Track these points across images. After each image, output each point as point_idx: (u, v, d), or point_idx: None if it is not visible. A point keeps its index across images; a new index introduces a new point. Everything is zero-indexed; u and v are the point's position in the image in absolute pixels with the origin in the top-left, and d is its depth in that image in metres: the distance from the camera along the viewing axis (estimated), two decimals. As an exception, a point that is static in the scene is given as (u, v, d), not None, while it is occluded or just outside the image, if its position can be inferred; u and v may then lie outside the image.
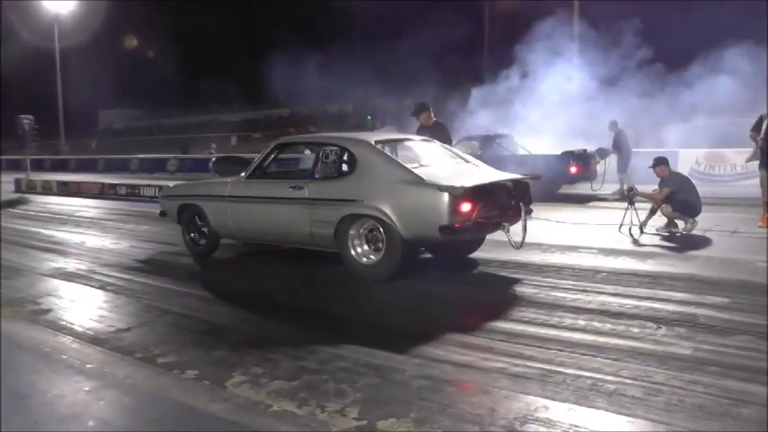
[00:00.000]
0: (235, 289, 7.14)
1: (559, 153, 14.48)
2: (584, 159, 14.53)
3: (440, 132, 9.05)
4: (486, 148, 15.49)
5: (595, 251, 7.91)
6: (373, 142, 7.22)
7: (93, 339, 5.18)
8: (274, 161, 8.20)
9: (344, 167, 7.29)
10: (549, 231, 9.20)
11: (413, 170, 6.72)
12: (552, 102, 18.56)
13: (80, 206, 15.93)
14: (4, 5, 49.85)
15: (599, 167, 14.98)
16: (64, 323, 5.67)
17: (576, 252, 7.88)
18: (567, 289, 6.18)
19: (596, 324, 5.10)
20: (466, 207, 6.31)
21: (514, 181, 7.16)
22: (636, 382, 3.93)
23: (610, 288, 6.17)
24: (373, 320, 5.49)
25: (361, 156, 7.03)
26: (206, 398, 3.96)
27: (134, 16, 58.52)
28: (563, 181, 14.60)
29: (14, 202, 17.89)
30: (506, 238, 6.88)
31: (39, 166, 32.88)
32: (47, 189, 20.84)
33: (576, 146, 15.08)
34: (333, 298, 6.46)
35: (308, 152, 7.85)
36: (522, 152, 15.74)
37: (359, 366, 4.34)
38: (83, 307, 6.35)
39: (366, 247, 6.88)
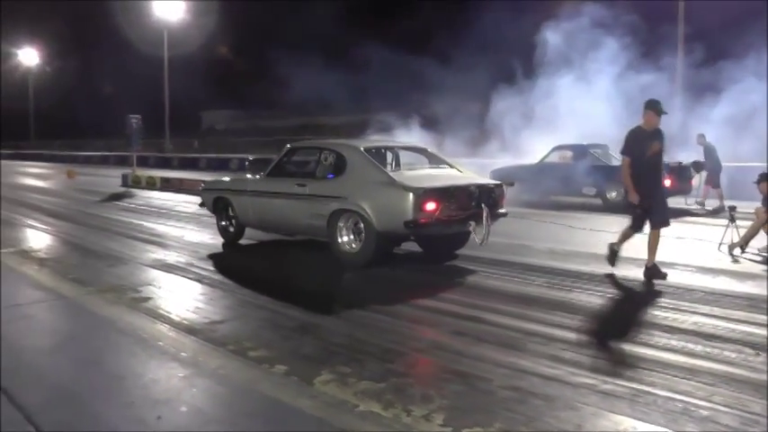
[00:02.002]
0: (327, 288, 7.27)
1: None
2: (679, 172, 14.00)
3: (659, 140, 7.38)
4: (579, 158, 15.21)
5: (693, 269, 7.62)
6: (362, 149, 8.28)
7: (189, 329, 5.37)
8: (288, 162, 9.25)
9: (338, 169, 8.28)
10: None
11: (388, 173, 7.95)
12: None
13: (181, 201, 16.51)
14: (121, 16, 52.92)
15: (694, 181, 14.43)
16: (161, 311, 5.90)
17: (673, 269, 7.59)
18: (662, 307, 5.98)
19: (690, 345, 4.90)
20: (430, 206, 7.29)
21: (479, 185, 7.95)
22: (730, 410, 3.75)
23: (705, 308, 5.92)
24: (464, 328, 5.45)
25: (350, 159, 8.14)
26: (294, 393, 4.03)
27: (237, 22, 60.26)
28: None
29: (120, 196, 18.71)
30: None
31: (144, 162, 34.29)
32: (150, 184, 21.66)
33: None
34: (423, 300, 6.42)
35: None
36: (615, 163, 15.34)
37: (446, 373, 4.33)
38: (180, 297, 6.59)
39: (351, 236, 7.90)
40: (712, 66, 19.21)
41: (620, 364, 4.50)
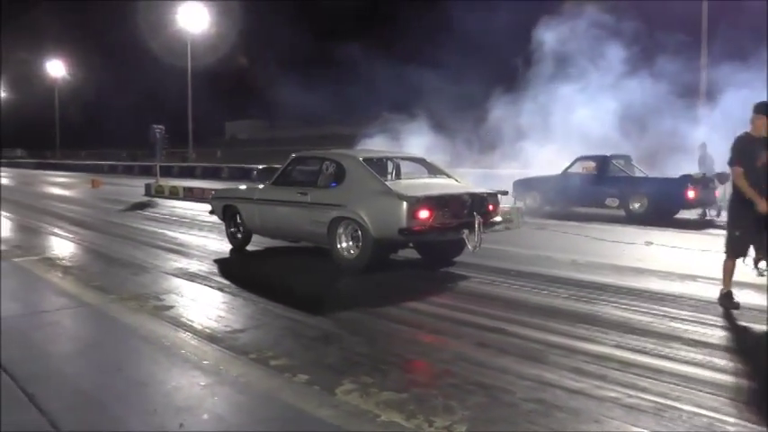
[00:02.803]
0: (347, 297, 7.27)
1: (677, 176, 13.96)
2: (702, 183, 13.90)
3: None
4: (603, 168, 15.16)
5: (716, 281, 7.46)
6: (361, 159, 8.59)
7: (211, 337, 5.38)
8: (293, 171, 9.57)
9: (338, 178, 8.57)
10: (668, 258, 8.84)
11: (384, 182, 8.19)
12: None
13: (204, 211, 16.54)
14: (143, 28, 53.80)
15: (718, 192, 14.30)
16: (184, 320, 5.92)
17: (695, 281, 7.51)
18: (685, 320, 5.89)
19: (714, 359, 4.82)
20: (424, 214, 7.55)
21: (472, 194, 8.19)
22: (757, 428, 3.68)
23: (728, 322, 5.85)
24: (486, 339, 5.41)
25: (349, 169, 8.44)
26: (315, 403, 4.02)
27: (259, 34, 60.86)
28: (680, 206, 14.05)
29: (144, 205, 18.85)
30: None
31: (167, 172, 34.53)
32: (174, 194, 21.79)
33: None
34: (445, 311, 6.39)
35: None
36: (638, 174, 15.31)
37: (468, 384, 4.29)
38: (202, 306, 6.61)
39: (350, 243, 8.14)
40: (707, 69, 19.07)
41: (644, 378, 4.43)
